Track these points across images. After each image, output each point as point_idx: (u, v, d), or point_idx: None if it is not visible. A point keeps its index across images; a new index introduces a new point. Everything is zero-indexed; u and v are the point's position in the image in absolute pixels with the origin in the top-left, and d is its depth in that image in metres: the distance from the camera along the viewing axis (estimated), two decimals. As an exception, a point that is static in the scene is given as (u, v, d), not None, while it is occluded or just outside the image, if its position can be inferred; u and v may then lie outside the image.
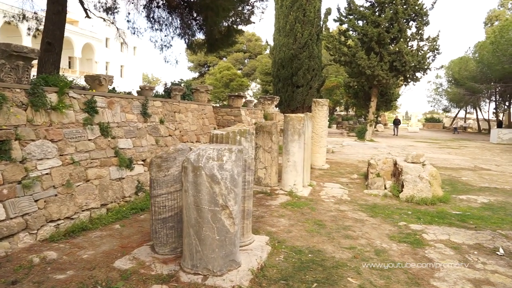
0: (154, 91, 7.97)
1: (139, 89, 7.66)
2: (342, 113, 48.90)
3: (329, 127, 34.74)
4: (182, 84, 9.40)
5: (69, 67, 46.31)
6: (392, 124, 34.97)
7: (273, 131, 7.91)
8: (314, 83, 26.45)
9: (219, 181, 3.44)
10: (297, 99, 26.02)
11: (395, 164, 8.35)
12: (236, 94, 13.47)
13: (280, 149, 8.31)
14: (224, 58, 56.58)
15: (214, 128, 10.37)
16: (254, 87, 56.68)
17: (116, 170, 6.06)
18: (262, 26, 76.26)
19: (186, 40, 15.91)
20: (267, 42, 29.39)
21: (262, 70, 48.57)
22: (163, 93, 8.79)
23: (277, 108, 24.78)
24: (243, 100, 13.53)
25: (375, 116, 25.56)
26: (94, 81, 6.75)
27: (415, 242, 4.90)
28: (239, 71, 53.73)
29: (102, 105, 6.15)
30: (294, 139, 7.41)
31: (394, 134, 30.73)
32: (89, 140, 5.69)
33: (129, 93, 8.37)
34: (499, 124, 34.43)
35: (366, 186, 8.51)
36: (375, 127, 30.09)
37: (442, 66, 23.45)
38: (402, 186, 7.51)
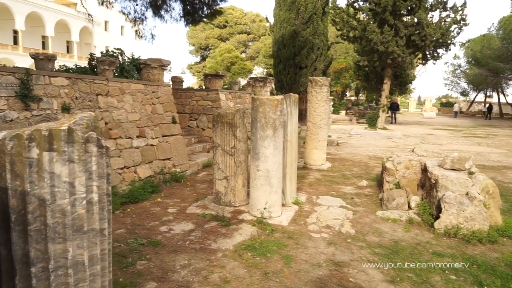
0: (56, 64, 5.28)
1: (33, 59, 5.00)
2: (353, 98, 45.56)
3: (337, 113, 31.75)
4: (119, 56, 6.66)
5: (67, 52, 44.00)
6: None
7: (238, 123, 5.17)
8: (319, 64, 23.33)
9: None
10: (300, 82, 23.01)
11: (425, 170, 5.56)
12: (214, 73, 10.68)
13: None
14: (226, 41, 53.40)
15: (173, 117, 7.66)
16: (261, 71, 53.48)
17: None
18: (268, 5, 72.47)
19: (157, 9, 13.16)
20: (266, 18, 26.26)
21: (265, 53, 45.44)
22: (88, 68, 6.13)
23: (276, 93, 21.91)
24: (222, 81, 10.74)
25: (388, 100, 22.51)
26: None
27: None
28: (242, 54, 50.65)
29: None
30: (266, 135, 4.67)
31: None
32: None
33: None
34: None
35: (380, 203, 5.76)
36: (387, 113, 26.82)
37: (469, 40, 20.07)
38: (438, 208, 4.74)
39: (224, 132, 5.17)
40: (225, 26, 53.17)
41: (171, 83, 11.31)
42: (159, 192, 6.19)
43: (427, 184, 5.43)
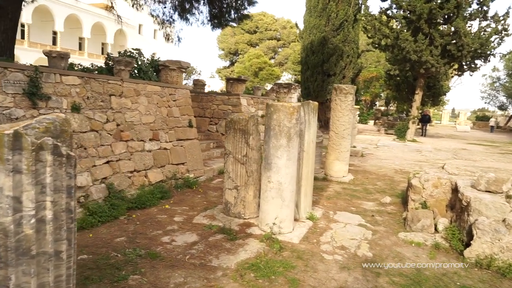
0: (69, 61, 5.16)
1: (46, 56, 4.90)
2: (382, 108, 44.28)
3: (365, 122, 30.88)
4: (138, 56, 6.51)
5: (102, 53, 45.46)
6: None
7: (251, 130, 4.86)
8: (348, 72, 22.75)
9: None
10: (328, 90, 22.46)
11: (455, 190, 5.04)
12: (236, 77, 10.45)
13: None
14: (256, 46, 53.40)
15: (190, 121, 7.45)
16: (289, 78, 53.04)
17: None
18: (299, 12, 72.09)
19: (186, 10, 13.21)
20: (296, 24, 25.89)
21: (294, 59, 45.02)
22: (104, 68, 6.00)
23: (302, 100, 21.48)
24: (245, 85, 10.48)
25: (420, 112, 21.53)
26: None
27: None
28: (271, 60, 50.49)
29: None
30: (279, 145, 4.33)
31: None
32: None
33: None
34: None
35: (404, 223, 5.27)
36: (418, 125, 25.68)
37: (510, 52, 18.81)
38: (469, 234, 4.23)
39: (237, 139, 4.88)
40: (255, 32, 53.30)
41: (192, 85, 11.18)
42: (168, 198, 5.96)
43: (457, 206, 4.90)
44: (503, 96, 43.99)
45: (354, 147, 13.28)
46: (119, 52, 6.59)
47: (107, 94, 5.54)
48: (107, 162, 5.33)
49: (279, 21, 54.39)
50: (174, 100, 7.12)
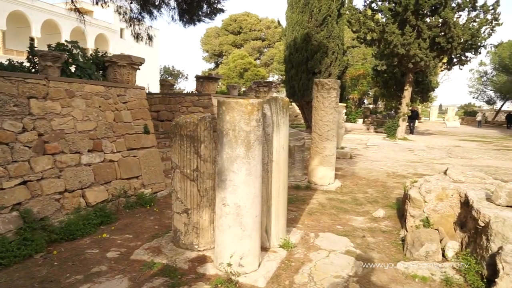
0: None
1: None
2: (371, 106, 43.48)
3: (354, 121, 29.97)
4: (74, 50, 5.33)
5: (83, 60, 43.67)
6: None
7: (202, 136, 3.73)
8: (334, 69, 21.75)
9: None
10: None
11: (466, 204, 3.99)
12: (207, 75, 9.34)
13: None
14: (241, 47, 52.28)
15: (145, 126, 6.29)
16: (277, 79, 51.99)
17: None
18: (283, 11, 71.44)
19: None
20: (278, 21, 24.83)
21: (280, 59, 44.04)
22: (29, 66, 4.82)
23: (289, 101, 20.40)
24: (217, 84, 9.37)
25: (409, 108, 20.61)
26: None
27: None
28: (256, 61, 49.43)
29: None
30: (235, 155, 3.22)
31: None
32: None
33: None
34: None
35: (402, 246, 4.20)
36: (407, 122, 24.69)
37: (501, 42, 17.98)
38: (491, 266, 3.17)
39: (184, 148, 3.75)
40: (239, 33, 52.21)
41: (146, 87, 10.00)
42: (111, 222, 4.80)
43: (469, 224, 3.85)
44: (491, 90, 43.63)
45: (342, 148, 12.25)
46: (49, 46, 5.41)
47: (24, 97, 4.36)
48: (23, 183, 4.16)
49: (263, 21, 53.39)
50: (124, 102, 5.96)
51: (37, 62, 4.79)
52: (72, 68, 5.57)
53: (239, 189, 3.26)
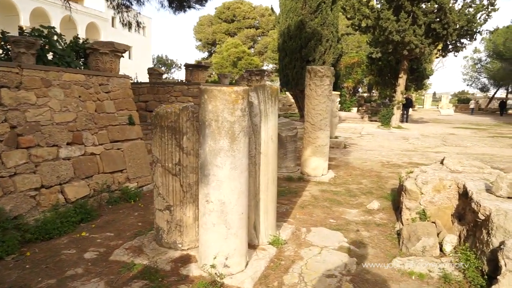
0: None
1: None
2: (365, 94, 43.21)
3: (348, 110, 29.73)
4: (52, 37, 4.99)
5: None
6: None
7: (185, 127, 3.47)
8: (328, 57, 21.43)
9: None
10: (307, 77, 21.14)
11: (465, 195, 3.78)
12: (196, 63, 9.02)
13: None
14: (234, 36, 51.55)
15: (130, 117, 6.00)
16: (271, 68, 51.44)
17: None
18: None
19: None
20: (272, 8, 24.35)
21: (274, 47, 43.46)
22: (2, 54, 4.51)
23: (283, 90, 20.19)
24: (206, 73, 9.05)
25: (404, 96, 20.37)
26: None
27: None
28: (250, 50, 48.81)
29: None
30: (219, 148, 2.97)
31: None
32: None
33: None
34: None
35: (398, 240, 4.00)
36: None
37: (497, 28, 17.72)
38: (492, 262, 2.98)
39: (165, 141, 3.49)
40: (232, 21, 51.44)
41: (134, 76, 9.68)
42: (92, 220, 4.55)
43: (468, 216, 3.65)
44: (485, 77, 43.53)
45: (336, 137, 12.03)
46: (21, 29, 5.07)
47: (-6, 86, 4.06)
48: (-6, 180, 3.89)
49: (257, 9, 52.61)
50: (106, 92, 5.66)
51: (10, 49, 4.46)
52: (50, 56, 5.26)
53: (224, 185, 3.02)
